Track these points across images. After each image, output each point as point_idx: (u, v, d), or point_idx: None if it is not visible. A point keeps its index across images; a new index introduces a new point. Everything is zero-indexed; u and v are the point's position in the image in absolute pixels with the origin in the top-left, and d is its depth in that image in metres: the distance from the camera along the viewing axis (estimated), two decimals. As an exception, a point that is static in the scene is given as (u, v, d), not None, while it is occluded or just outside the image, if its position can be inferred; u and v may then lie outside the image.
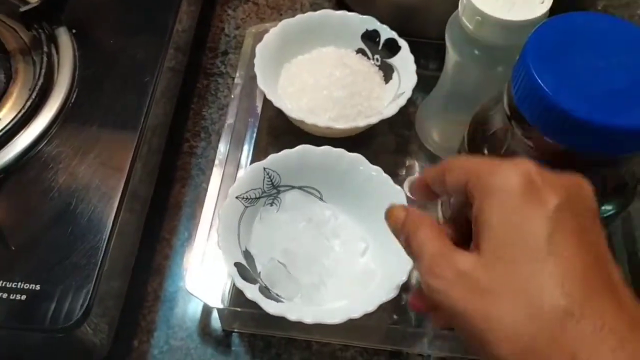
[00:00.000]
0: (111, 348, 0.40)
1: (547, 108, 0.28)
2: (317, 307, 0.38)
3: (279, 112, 0.46)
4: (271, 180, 0.42)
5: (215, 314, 0.43)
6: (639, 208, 0.42)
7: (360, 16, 0.50)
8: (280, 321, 0.35)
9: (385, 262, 0.38)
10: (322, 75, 0.48)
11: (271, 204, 0.42)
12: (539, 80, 0.28)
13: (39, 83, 0.42)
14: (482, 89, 0.39)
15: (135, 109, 0.43)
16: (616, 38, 0.30)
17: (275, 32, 0.49)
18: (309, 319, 0.35)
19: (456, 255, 0.26)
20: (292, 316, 0.35)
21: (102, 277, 0.36)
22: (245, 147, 0.48)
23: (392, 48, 0.49)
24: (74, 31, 0.46)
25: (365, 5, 0.52)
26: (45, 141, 0.41)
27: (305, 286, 0.39)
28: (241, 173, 0.45)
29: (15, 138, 0.40)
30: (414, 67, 0.47)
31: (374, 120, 0.45)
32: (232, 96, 0.49)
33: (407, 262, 0.36)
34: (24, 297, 0.34)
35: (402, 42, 0.49)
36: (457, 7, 0.40)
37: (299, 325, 0.35)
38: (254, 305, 0.36)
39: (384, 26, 0.50)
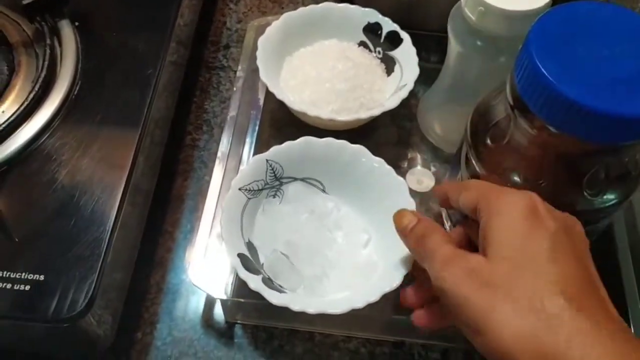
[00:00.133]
0: (115, 340, 0.40)
1: (550, 96, 0.28)
2: (319, 298, 0.38)
3: (281, 105, 0.46)
4: (274, 172, 0.42)
5: (218, 306, 0.43)
6: (640, 198, 0.42)
7: (362, 9, 0.50)
8: (283, 312, 0.35)
9: (387, 254, 0.38)
10: (325, 68, 0.48)
11: (274, 196, 0.42)
12: (542, 69, 0.28)
13: (42, 75, 0.42)
14: (484, 80, 0.39)
15: (137, 102, 0.43)
16: (619, 27, 0.30)
17: (277, 25, 0.49)
18: (312, 309, 0.35)
19: (467, 255, 0.29)
20: (296, 306, 0.35)
21: (106, 268, 0.36)
22: (248, 140, 0.48)
23: (394, 41, 0.49)
24: (76, 24, 0.46)
25: (367, -2, 0.52)
26: (48, 134, 0.41)
27: (308, 277, 0.39)
28: (244, 166, 0.45)
29: (18, 130, 0.40)
30: (416, 59, 0.47)
31: (376, 112, 0.45)
32: (235, 89, 0.49)
33: (409, 254, 0.36)
34: (27, 287, 0.34)
35: (404, 35, 0.49)
36: (458, -1, 0.40)
37: (301, 317, 0.35)
38: (257, 296, 0.36)
39: (386, 19, 0.50)
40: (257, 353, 0.41)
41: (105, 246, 0.36)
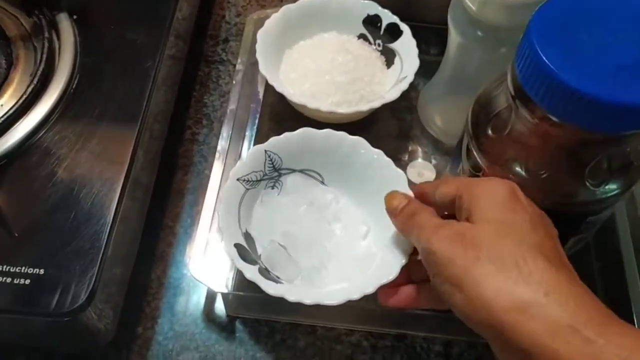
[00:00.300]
0: (116, 335, 0.40)
1: (552, 85, 0.28)
2: (317, 289, 0.38)
3: (281, 98, 0.46)
4: (272, 163, 0.42)
5: (219, 301, 0.43)
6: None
7: (362, 1, 0.50)
8: (285, 306, 0.35)
9: (386, 245, 0.38)
10: (324, 60, 0.47)
11: (272, 187, 0.42)
12: (544, 57, 0.28)
13: (40, 69, 0.42)
14: (484, 71, 0.39)
15: (136, 95, 0.43)
16: (621, 13, 0.30)
17: (276, 18, 0.49)
18: (308, 300, 0.35)
19: (454, 222, 0.32)
20: (292, 297, 0.35)
21: (106, 262, 0.36)
22: (248, 134, 0.48)
23: (393, 33, 0.49)
24: (74, 17, 0.46)
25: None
26: (47, 127, 0.41)
27: (306, 269, 0.39)
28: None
29: (17, 124, 0.40)
30: (416, 51, 0.47)
31: (376, 104, 0.45)
32: (234, 82, 0.48)
33: (407, 245, 0.36)
34: (28, 281, 0.34)
35: (404, 27, 0.49)
36: (457, -10, 0.40)
37: (303, 310, 0.35)
38: (258, 289, 0.35)
39: (386, 11, 0.49)
40: (259, 347, 0.41)
41: (105, 239, 0.36)
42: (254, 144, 0.47)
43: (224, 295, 0.42)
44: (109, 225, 0.37)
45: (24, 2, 0.45)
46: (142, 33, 0.46)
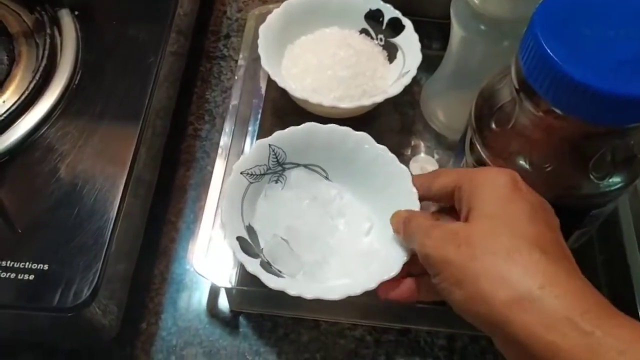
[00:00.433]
0: (120, 330, 0.40)
1: (556, 77, 0.28)
2: (319, 284, 0.38)
3: (283, 93, 0.46)
4: (276, 157, 0.42)
5: (222, 296, 0.43)
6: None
7: (364, -5, 0.50)
8: (288, 300, 0.35)
9: (389, 242, 0.38)
10: (326, 55, 0.47)
11: (276, 181, 0.42)
12: (548, 50, 0.28)
13: (42, 65, 0.42)
14: (487, 65, 0.38)
15: (138, 92, 0.42)
16: (624, 7, 0.30)
17: (278, 13, 0.49)
18: (309, 294, 0.35)
19: (447, 223, 0.32)
20: (293, 291, 0.35)
21: (110, 257, 0.36)
22: (250, 129, 0.47)
23: (395, 27, 0.49)
24: (76, 13, 0.46)
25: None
26: (49, 124, 0.41)
27: (308, 263, 0.39)
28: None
29: (19, 120, 0.40)
30: (418, 45, 0.47)
31: (379, 99, 0.45)
32: (236, 78, 0.48)
33: None
34: (32, 277, 0.34)
35: (406, 21, 0.49)
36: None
37: (306, 305, 0.35)
38: (261, 284, 0.35)
39: (388, 5, 0.49)
40: (263, 342, 0.41)
41: (108, 235, 0.36)
42: (257, 140, 0.47)
43: (228, 290, 0.42)
44: (112, 221, 0.37)
45: (25, -2, 0.45)
46: (143, 29, 0.46)
